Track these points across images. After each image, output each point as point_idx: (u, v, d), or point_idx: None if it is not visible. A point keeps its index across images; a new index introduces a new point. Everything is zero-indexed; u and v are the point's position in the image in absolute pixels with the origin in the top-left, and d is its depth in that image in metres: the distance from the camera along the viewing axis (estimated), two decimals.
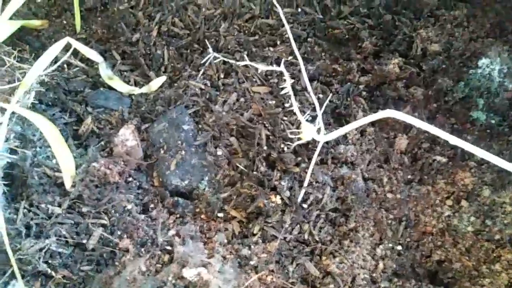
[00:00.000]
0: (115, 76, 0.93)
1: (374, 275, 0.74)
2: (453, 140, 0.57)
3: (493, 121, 0.88)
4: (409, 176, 0.83)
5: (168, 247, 0.74)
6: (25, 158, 0.84)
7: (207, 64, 0.85)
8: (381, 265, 0.75)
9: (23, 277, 0.71)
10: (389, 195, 0.80)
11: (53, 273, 0.72)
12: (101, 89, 0.93)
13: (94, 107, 0.91)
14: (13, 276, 0.73)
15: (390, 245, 0.78)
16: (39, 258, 0.72)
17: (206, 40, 0.91)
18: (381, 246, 0.77)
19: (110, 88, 0.92)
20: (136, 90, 0.90)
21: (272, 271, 0.70)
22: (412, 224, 0.80)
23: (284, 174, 0.76)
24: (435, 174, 0.83)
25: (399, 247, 0.78)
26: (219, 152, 0.79)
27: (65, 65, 0.95)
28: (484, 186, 0.82)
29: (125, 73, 0.95)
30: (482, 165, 0.83)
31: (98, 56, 0.92)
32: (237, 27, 0.93)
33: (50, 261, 0.73)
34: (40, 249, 0.73)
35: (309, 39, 0.91)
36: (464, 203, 0.82)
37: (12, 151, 0.84)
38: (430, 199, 0.82)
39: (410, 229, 0.80)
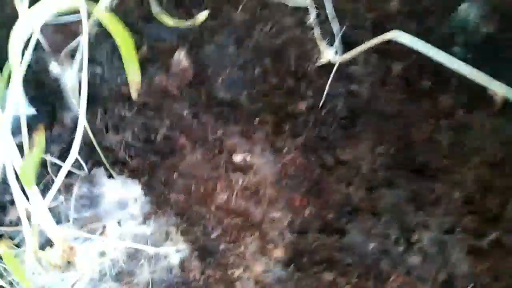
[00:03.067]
0: (163, 12, 1.06)
1: (374, 166, 0.91)
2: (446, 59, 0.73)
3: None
4: (402, 96, 0.99)
5: (218, 142, 0.90)
6: (95, 76, 0.98)
7: (245, 1, 0.99)
8: (379, 160, 0.92)
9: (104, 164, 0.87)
10: (387, 109, 0.96)
11: (129, 161, 0.88)
12: (153, 23, 1.06)
13: (147, 37, 1.04)
14: (93, 164, 0.89)
15: (387, 147, 0.95)
16: (120, 148, 0.88)
17: None
18: (379, 147, 0.94)
19: (160, 23, 1.05)
20: (183, 23, 1.03)
21: (300, 156, 0.87)
22: (402, 133, 0.97)
23: (309, 87, 0.92)
24: (422, 96, 1.00)
25: (392, 151, 0.95)
26: (257, 70, 0.94)
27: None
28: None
29: (171, 10, 1.08)
30: (459, 88, 1.00)
31: None
32: None
33: (126, 151, 0.89)
34: (119, 141, 0.89)
35: None
36: (442, 121, 0.98)
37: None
38: (417, 116, 0.98)
39: (400, 139, 0.96)
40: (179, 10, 1.07)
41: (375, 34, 1.01)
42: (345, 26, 0.97)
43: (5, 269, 0.76)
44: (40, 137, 0.62)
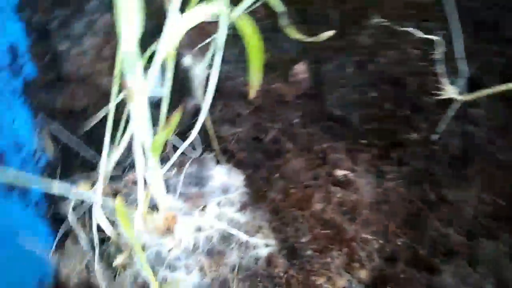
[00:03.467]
0: (290, 26, 1.13)
1: (478, 213, 0.87)
2: None
3: None
4: None
5: (322, 154, 0.93)
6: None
7: (371, 25, 1.02)
8: (485, 208, 0.88)
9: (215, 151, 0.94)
10: (503, 158, 0.92)
11: (237, 153, 0.94)
12: (279, 33, 1.13)
13: (272, 46, 1.11)
14: (205, 150, 0.96)
15: (495, 196, 0.90)
16: (231, 140, 0.95)
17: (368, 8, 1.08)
18: (488, 195, 0.89)
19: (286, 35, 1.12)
20: (307, 38, 1.09)
21: (402, 186, 0.86)
22: None
23: (424, 119, 0.92)
24: None
25: (501, 201, 0.90)
26: (373, 94, 0.96)
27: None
28: None
29: (298, 25, 1.14)
30: None
31: (282, 7, 1.12)
32: None
33: (236, 144, 0.95)
34: (232, 134, 0.95)
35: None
36: None
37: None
38: None
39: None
40: (305, 26, 1.13)
41: (502, 80, 0.98)
42: (472, 66, 0.95)
43: (115, 222, 0.84)
44: (177, 115, 0.70)
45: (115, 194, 0.93)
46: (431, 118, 0.92)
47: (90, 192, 0.79)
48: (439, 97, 0.92)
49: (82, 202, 0.84)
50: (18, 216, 0.83)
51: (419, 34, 0.91)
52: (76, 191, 0.75)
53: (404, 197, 0.86)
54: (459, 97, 0.89)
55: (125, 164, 0.95)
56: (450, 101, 0.92)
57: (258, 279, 0.79)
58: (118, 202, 0.79)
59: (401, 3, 1.09)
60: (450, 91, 0.90)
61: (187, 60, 1.06)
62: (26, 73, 1.11)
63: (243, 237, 0.83)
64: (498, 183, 0.90)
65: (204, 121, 0.92)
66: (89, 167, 0.96)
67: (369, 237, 0.83)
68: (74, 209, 0.85)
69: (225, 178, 0.91)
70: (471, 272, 0.80)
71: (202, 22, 1.10)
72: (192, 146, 0.93)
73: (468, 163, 0.90)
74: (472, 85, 0.97)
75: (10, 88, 1.07)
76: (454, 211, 0.86)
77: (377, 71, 0.98)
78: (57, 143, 1.00)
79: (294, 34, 1.13)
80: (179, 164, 0.93)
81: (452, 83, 0.92)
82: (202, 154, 0.94)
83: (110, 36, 1.14)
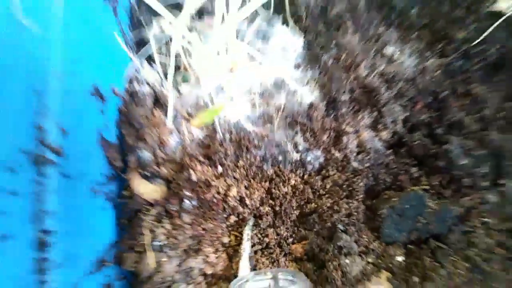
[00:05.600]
0: None
1: (497, 113, 1.03)
2: None
3: None
4: None
5: (376, 36, 1.07)
6: None
7: None
8: (503, 113, 1.03)
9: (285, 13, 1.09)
10: None
11: (304, 19, 1.10)
12: None
13: None
14: (275, 11, 1.11)
15: None
16: (301, 6, 1.10)
17: None
18: (509, 103, 1.04)
19: None
20: None
21: (440, 75, 1.02)
22: None
23: (473, 23, 1.04)
24: None
25: None
26: None
27: None
28: None
29: None
30: None
31: None
32: None
33: (306, 12, 1.10)
34: (304, 1, 1.10)
35: None
36: None
37: None
38: None
39: None
40: None
41: None
42: None
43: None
44: None
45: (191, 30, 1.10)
46: (480, 25, 1.04)
47: (173, 22, 0.96)
48: (491, 8, 1.04)
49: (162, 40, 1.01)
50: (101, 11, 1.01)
51: None
52: (165, 11, 0.91)
53: (438, 80, 1.01)
54: (508, 12, 1.00)
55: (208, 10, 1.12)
56: (501, 14, 1.04)
57: (298, 118, 0.98)
58: (194, 36, 0.96)
59: None
60: (502, 4, 1.01)
61: None
62: None
63: (293, 86, 1.01)
64: None
65: None
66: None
67: (398, 108, 1.00)
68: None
69: (287, 38, 1.07)
70: (479, 150, 0.96)
71: None
72: (266, 5, 1.08)
73: (500, 70, 1.03)
74: None
75: None
76: (475, 105, 1.01)
77: None
78: None
79: None
80: (250, 19, 1.09)
81: None
82: (272, 14, 1.10)
83: None
